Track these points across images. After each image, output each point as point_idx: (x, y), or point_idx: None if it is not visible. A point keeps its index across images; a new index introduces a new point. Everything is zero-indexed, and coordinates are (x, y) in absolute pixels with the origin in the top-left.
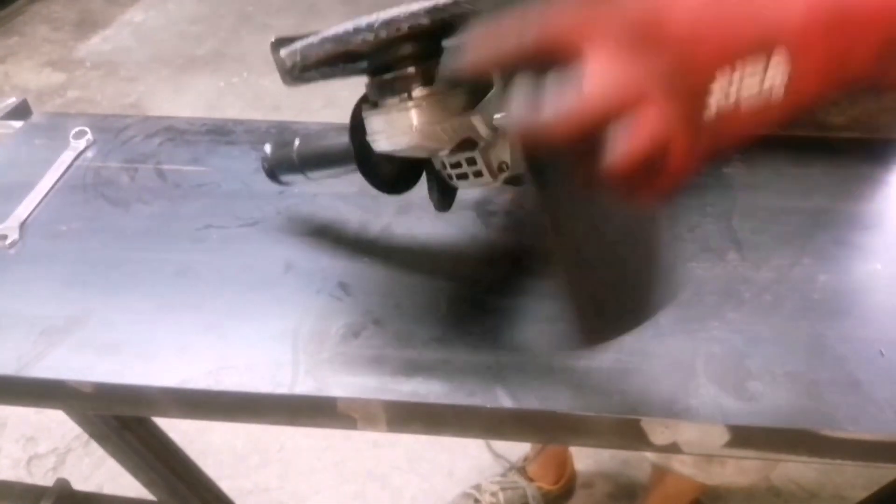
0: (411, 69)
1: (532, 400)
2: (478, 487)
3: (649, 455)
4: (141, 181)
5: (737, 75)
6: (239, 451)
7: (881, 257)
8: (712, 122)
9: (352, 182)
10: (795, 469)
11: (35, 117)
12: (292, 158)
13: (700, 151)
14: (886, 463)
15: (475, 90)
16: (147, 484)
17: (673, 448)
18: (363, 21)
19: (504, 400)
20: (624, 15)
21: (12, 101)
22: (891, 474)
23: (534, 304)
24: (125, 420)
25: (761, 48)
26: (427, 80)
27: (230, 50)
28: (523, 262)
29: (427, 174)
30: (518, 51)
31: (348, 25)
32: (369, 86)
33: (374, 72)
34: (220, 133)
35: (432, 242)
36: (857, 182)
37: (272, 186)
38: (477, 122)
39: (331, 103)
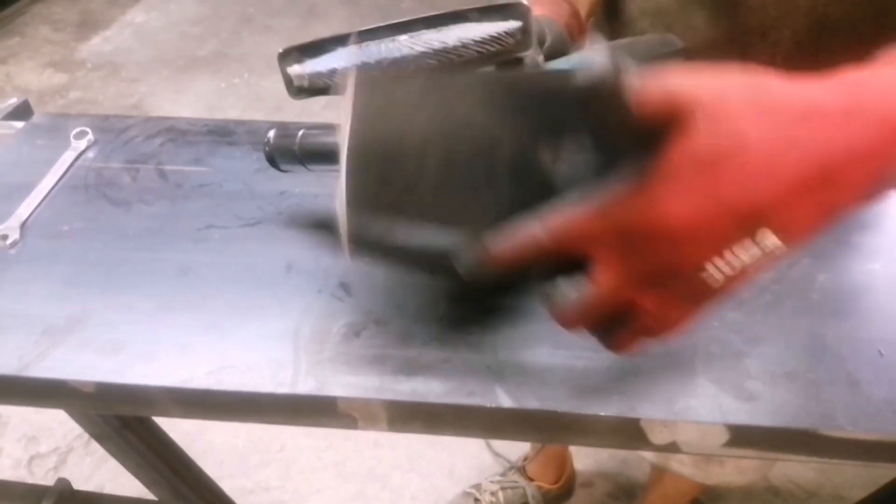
0: None
1: (532, 399)
2: (478, 487)
3: (648, 455)
4: (142, 181)
5: (728, 255)
6: (240, 450)
7: (880, 257)
8: (720, 286)
9: None
10: (794, 469)
11: (36, 118)
12: (294, 149)
13: (699, 309)
14: (885, 463)
15: None
16: (148, 483)
17: (672, 448)
18: (372, 56)
19: (504, 399)
20: (619, 227)
21: (14, 101)
22: (890, 474)
23: (534, 304)
24: (126, 420)
25: (746, 234)
26: None
27: (231, 51)
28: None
29: None
30: (536, 248)
31: (360, 59)
32: None
33: None
34: (222, 134)
35: None
36: None
37: (274, 187)
38: None
39: (331, 105)
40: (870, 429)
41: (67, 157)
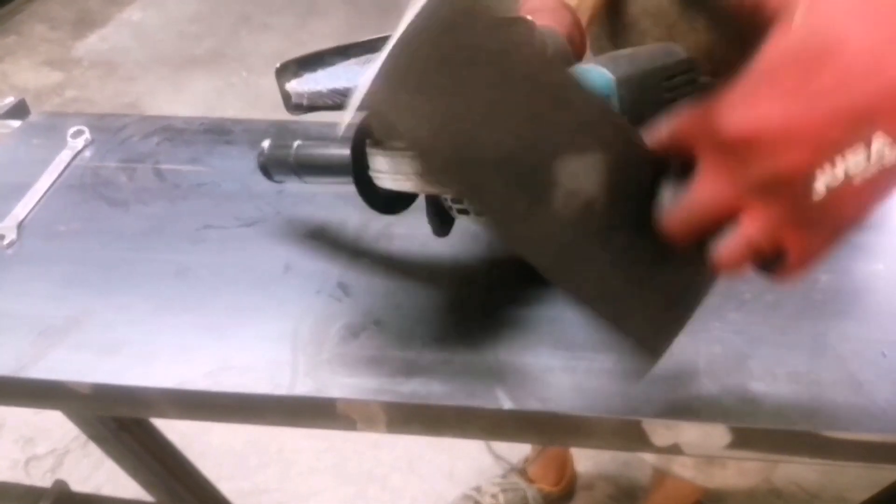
0: None
1: (532, 401)
2: (478, 489)
3: (649, 458)
4: (139, 181)
5: (839, 162)
6: (238, 452)
7: (883, 258)
8: (827, 205)
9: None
10: (797, 470)
11: (33, 117)
12: (289, 161)
13: (823, 240)
14: (888, 464)
15: None
16: (146, 485)
17: (674, 449)
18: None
19: (504, 401)
20: (718, 128)
21: (10, 100)
22: (892, 475)
23: (534, 304)
24: (124, 421)
25: (857, 138)
26: None
27: (229, 49)
28: (524, 262)
29: (426, 200)
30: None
31: (348, 81)
32: (374, 123)
33: None
34: (219, 133)
35: (432, 242)
36: None
37: (272, 186)
38: None
39: None
40: (873, 430)
41: (64, 157)
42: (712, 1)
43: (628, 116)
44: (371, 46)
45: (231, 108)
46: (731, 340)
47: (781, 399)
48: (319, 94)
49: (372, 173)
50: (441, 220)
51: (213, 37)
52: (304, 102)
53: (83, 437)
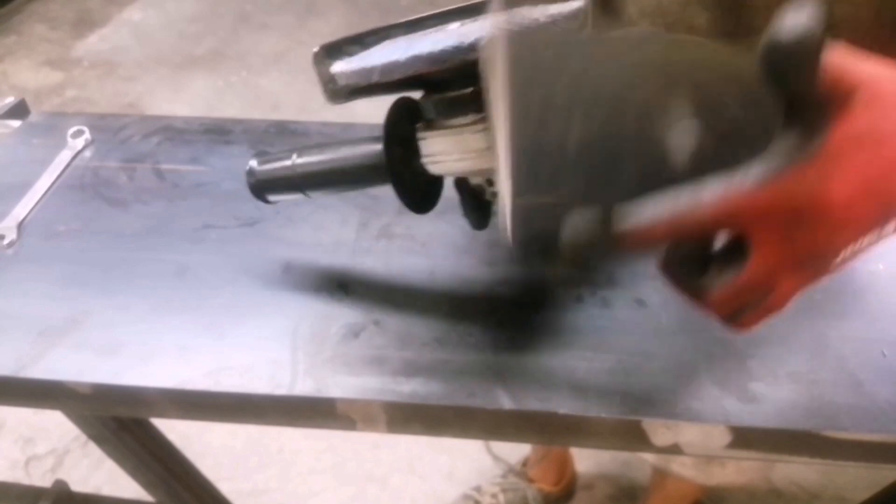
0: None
1: (532, 401)
2: (478, 489)
3: (649, 458)
4: (139, 181)
5: (862, 240)
6: (238, 452)
7: (883, 258)
8: (837, 267)
9: None
10: (797, 470)
11: (33, 117)
12: (291, 177)
13: (806, 282)
14: (888, 464)
15: None
16: (145, 485)
17: (674, 449)
18: (448, 42)
19: (504, 401)
20: (787, 205)
21: (10, 100)
22: (893, 475)
23: (534, 304)
24: (123, 421)
25: (886, 221)
26: None
27: (229, 49)
28: (523, 262)
29: (460, 193)
30: (692, 222)
31: (429, 46)
32: (429, 105)
33: (434, 89)
34: (219, 132)
35: (432, 242)
36: None
37: None
38: None
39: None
40: (873, 430)
41: (64, 157)
42: (792, 76)
43: None
44: (412, 27)
45: (230, 107)
46: (732, 341)
47: (781, 399)
48: (366, 71)
49: (427, 160)
50: (480, 214)
51: (212, 37)
52: (351, 83)
53: (83, 437)
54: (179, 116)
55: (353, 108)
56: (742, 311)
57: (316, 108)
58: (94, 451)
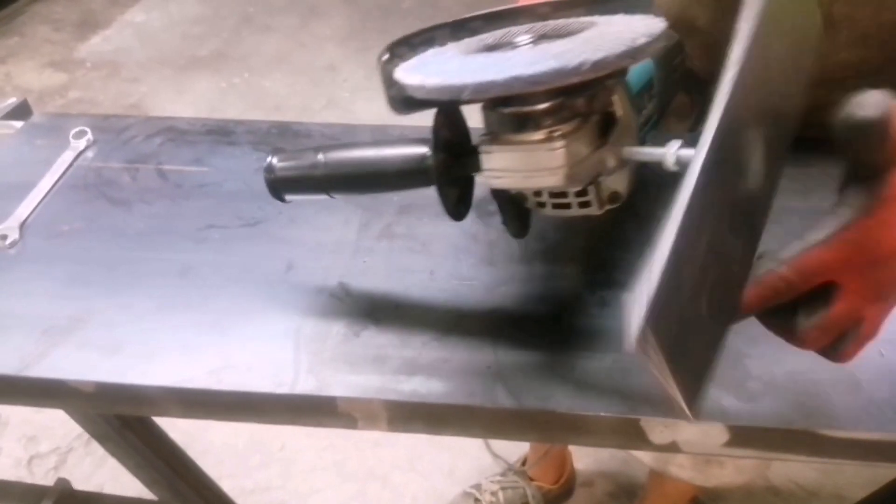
0: (559, 101)
1: (532, 399)
2: (478, 487)
3: (646, 459)
4: (142, 181)
5: None
6: (240, 450)
7: None
8: None
9: None
10: (795, 469)
11: (36, 117)
12: (316, 176)
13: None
14: (886, 462)
15: (603, 124)
16: (148, 483)
17: (672, 447)
18: (550, 64)
19: (504, 399)
20: (865, 253)
21: (13, 101)
22: (890, 474)
23: (534, 303)
24: (126, 419)
25: None
26: (571, 113)
27: (231, 50)
28: (524, 261)
29: (500, 202)
30: (784, 289)
31: (526, 67)
32: (494, 117)
33: (504, 103)
34: (222, 133)
35: (433, 242)
36: None
37: None
38: (608, 156)
39: (332, 104)
40: (870, 428)
41: (67, 157)
42: (863, 147)
43: (660, 96)
44: (458, 28)
45: (233, 108)
46: (730, 340)
47: (779, 398)
48: (462, 89)
49: (489, 175)
50: (521, 222)
51: (215, 38)
52: (441, 98)
53: (86, 436)
54: (182, 117)
55: (355, 110)
56: (838, 344)
57: (317, 110)
58: (97, 449)
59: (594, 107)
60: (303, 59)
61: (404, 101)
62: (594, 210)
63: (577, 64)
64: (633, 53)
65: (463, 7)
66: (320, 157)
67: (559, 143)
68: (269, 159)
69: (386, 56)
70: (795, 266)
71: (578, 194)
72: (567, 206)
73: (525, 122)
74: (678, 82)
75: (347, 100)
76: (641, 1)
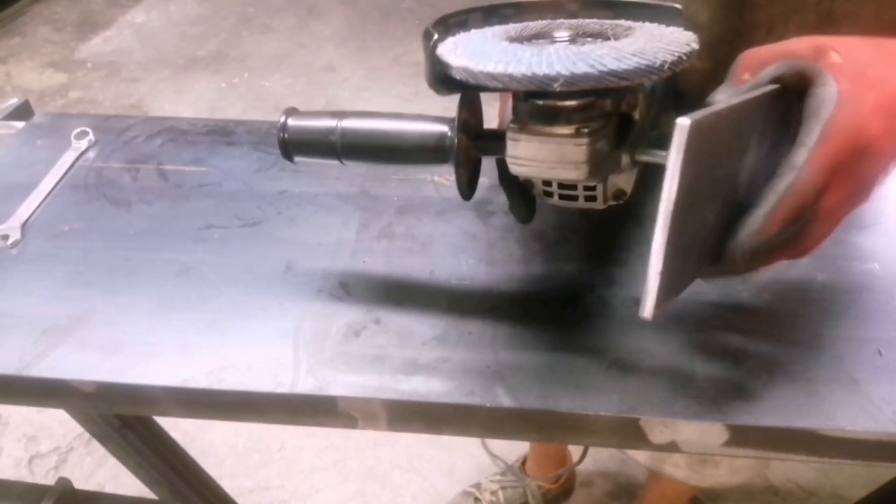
0: (590, 99)
1: (531, 399)
2: (478, 486)
3: (641, 459)
4: (142, 181)
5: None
6: (240, 449)
7: (879, 257)
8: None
9: (352, 182)
10: (794, 468)
11: (37, 118)
12: (331, 141)
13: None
14: (884, 462)
15: (622, 125)
16: (148, 483)
17: (672, 447)
18: (640, 61)
19: (504, 399)
20: (851, 145)
21: (14, 101)
22: (889, 473)
23: (534, 303)
24: (127, 419)
25: None
26: (599, 112)
27: (231, 51)
28: (523, 261)
29: (508, 188)
30: (797, 201)
31: (616, 62)
32: (525, 107)
33: (540, 94)
34: (222, 133)
35: (432, 242)
36: None
37: (274, 186)
38: (624, 156)
39: (331, 104)
40: (868, 428)
41: (68, 158)
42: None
43: (660, 102)
44: (490, 14)
45: (233, 108)
46: (729, 339)
47: (778, 397)
48: (554, 79)
49: (513, 161)
50: (527, 209)
51: (215, 38)
52: (532, 88)
53: (86, 435)
54: (182, 118)
55: (353, 105)
56: (799, 235)
57: (317, 108)
58: (98, 449)
59: (620, 108)
60: (302, 60)
61: (445, 81)
62: (598, 205)
63: (660, 63)
64: (692, 58)
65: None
66: (336, 123)
67: (586, 140)
68: (282, 119)
69: (435, 36)
70: (815, 164)
71: (587, 188)
72: (574, 198)
73: (556, 116)
74: (671, 88)
75: (347, 100)
76: (670, 12)
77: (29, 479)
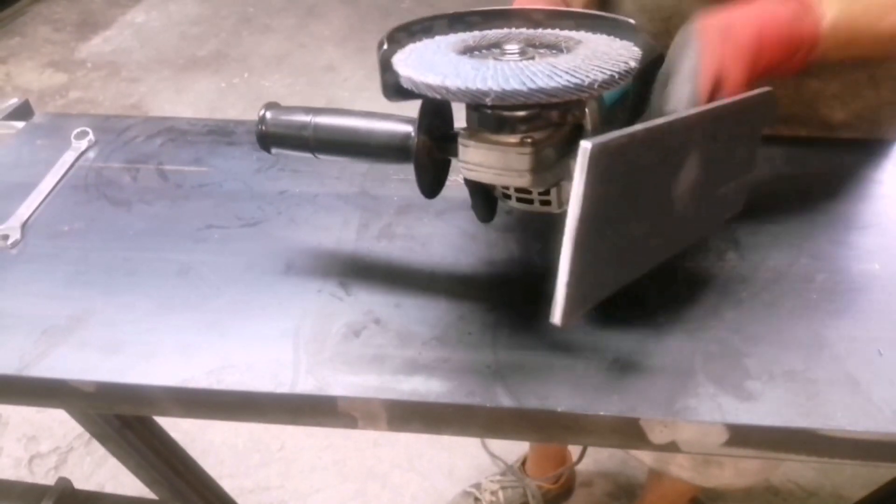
0: (536, 111)
1: (531, 399)
2: (478, 486)
3: (646, 459)
4: (142, 181)
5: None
6: (240, 449)
7: (879, 257)
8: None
9: (352, 182)
10: (794, 468)
11: (37, 118)
12: (305, 136)
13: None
14: (884, 462)
15: (573, 133)
16: (148, 483)
17: (672, 447)
18: (569, 80)
19: (504, 399)
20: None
21: (14, 101)
22: (889, 473)
23: (533, 303)
24: (127, 419)
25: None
26: (545, 122)
27: (231, 51)
28: (522, 261)
29: (471, 189)
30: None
31: (547, 80)
32: (475, 115)
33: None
34: (222, 133)
35: (432, 242)
36: (855, 182)
37: (274, 186)
38: (573, 162)
39: (331, 104)
40: (869, 428)
41: (68, 158)
42: None
43: (634, 108)
44: (456, 21)
45: (233, 108)
46: (729, 339)
47: (778, 397)
48: (486, 94)
49: (464, 166)
50: (488, 209)
51: (215, 38)
52: (465, 101)
53: (86, 435)
54: (182, 118)
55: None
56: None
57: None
58: (98, 449)
59: (566, 119)
60: (302, 60)
61: (397, 89)
62: (553, 209)
63: (589, 82)
64: (627, 77)
65: (461, 7)
66: (310, 118)
67: (529, 149)
68: (261, 112)
69: (386, 45)
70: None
71: (541, 193)
72: (530, 201)
73: (503, 125)
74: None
75: (347, 100)
76: (625, 25)
77: (29, 479)
